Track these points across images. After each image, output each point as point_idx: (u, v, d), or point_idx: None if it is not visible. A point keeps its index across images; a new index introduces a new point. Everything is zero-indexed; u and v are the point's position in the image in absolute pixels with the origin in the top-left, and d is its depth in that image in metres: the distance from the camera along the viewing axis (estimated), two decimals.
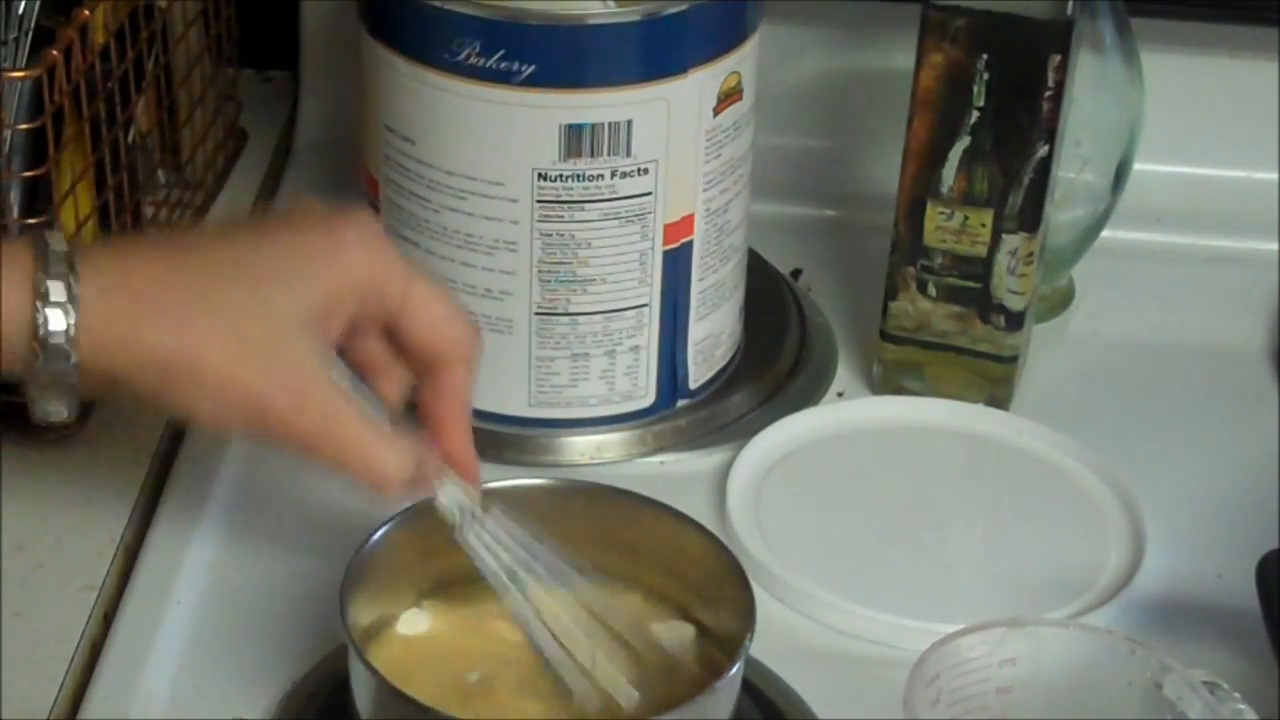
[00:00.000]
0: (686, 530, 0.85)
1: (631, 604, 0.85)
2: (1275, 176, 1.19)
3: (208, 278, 0.76)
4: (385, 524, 0.83)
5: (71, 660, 0.88)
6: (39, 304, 0.73)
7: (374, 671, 0.77)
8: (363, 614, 0.82)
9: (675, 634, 0.85)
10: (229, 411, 0.76)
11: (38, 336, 0.73)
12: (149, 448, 1.00)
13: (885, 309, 1.04)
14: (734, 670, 0.79)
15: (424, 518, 0.83)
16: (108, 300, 0.74)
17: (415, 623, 0.85)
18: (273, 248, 0.78)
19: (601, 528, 0.86)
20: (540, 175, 0.94)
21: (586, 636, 0.82)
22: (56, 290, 0.73)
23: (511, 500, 0.85)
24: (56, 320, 0.73)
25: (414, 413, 0.83)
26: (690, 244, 0.98)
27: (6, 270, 0.74)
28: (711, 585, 0.84)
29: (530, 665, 0.83)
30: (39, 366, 0.74)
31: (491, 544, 0.82)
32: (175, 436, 1.01)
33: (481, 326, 0.97)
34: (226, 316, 0.75)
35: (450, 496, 0.82)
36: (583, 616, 0.83)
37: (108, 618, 0.91)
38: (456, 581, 0.85)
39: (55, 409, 0.76)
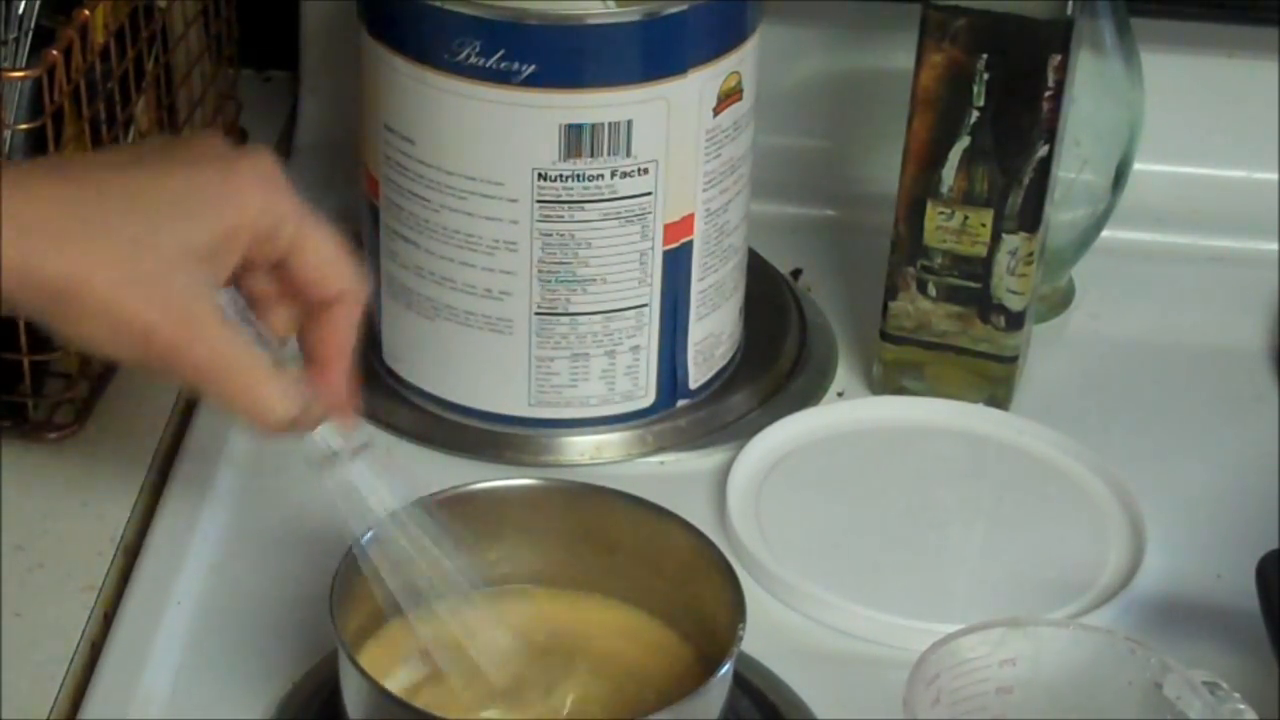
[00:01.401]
0: (671, 527, 0.85)
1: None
2: (1275, 176, 1.19)
3: (101, 207, 0.76)
4: (378, 525, 0.83)
5: (71, 660, 0.88)
6: None
7: (363, 673, 0.77)
8: (354, 615, 0.81)
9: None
10: (114, 339, 0.76)
11: None
12: (149, 448, 1.00)
13: (885, 309, 1.04)
14: (725, 669, 0.78)
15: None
16: (6, 228, 0.74)
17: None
18: (169, 180, 0.77)
19: (584, 527, 0.86)
20: (540, 175, 0.94)
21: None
22: None
23: (491, 501, 0.85)
24: None
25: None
26: (690, 244, 0.98)
27: None
28: (700, 583, 0.84)
29: (525, 667, 0.84)
30: None
31: (358, 491, 0.82)
32: (176, 437, 1.01)
33: (481, 326, 0.98)
34: (117, 246, 0.75)
35: (322, 436, 0.82)
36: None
37: (108, 618, 0.91)
38: (449, 582, 0.85)
39: None
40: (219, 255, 0.77)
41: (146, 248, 0.75)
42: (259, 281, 0.81)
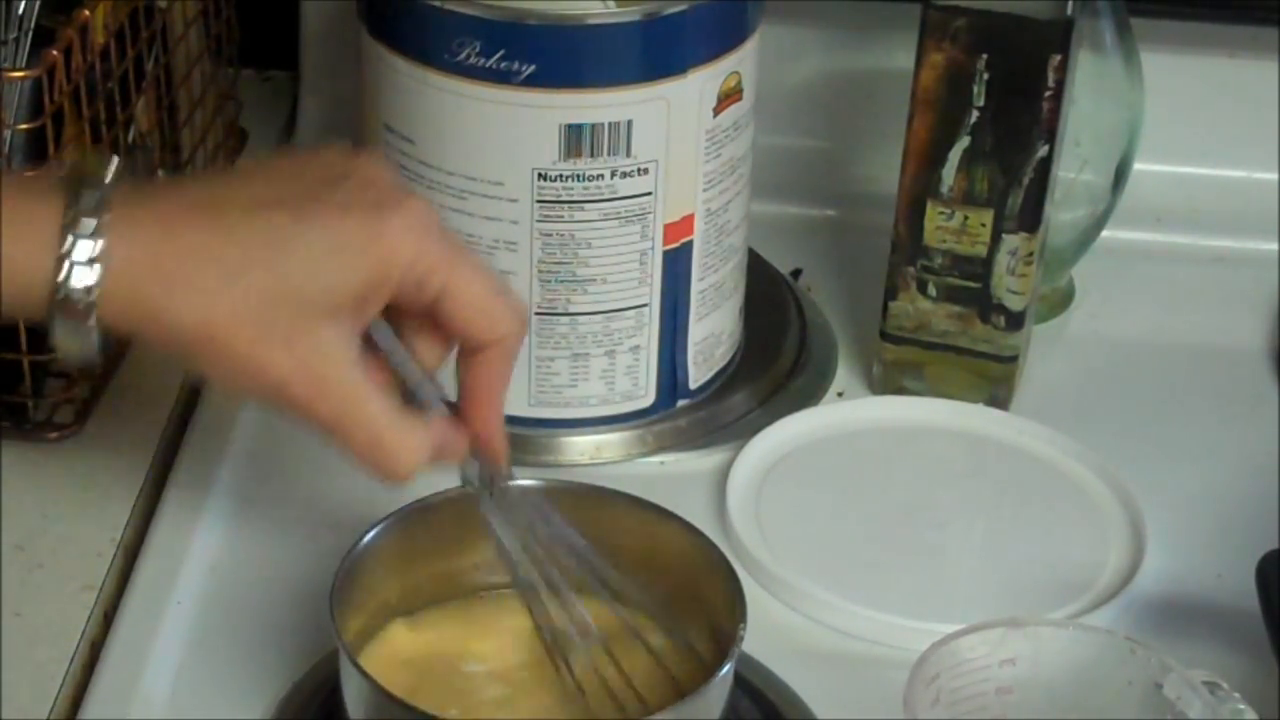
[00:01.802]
0: (671, 527, 0.85)
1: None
2: (1275, 176, 1.19)
3: (243, 256, 0.75)
4: (377, 525, 0.83)
5: (71, 660, 0.88)
6: (64, 261, 0.72)
7: (364, 674, 0.77)
8: (354, 616, 0.81)
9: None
10: (247, 386, 0.76)
11: (57, 294, 0.73)
12: (149, 448, 1.00)
13: (885, 309, 1.04)
14: (726, 669, 0.78)
15: (416, 520, 0.83)
16: (134, 268, 0.73)
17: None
18: (314, 227, 0.76)
19: (584, 527, 0.86)
20: (540, 175, 0.94)
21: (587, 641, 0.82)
22: (83, 250, 0.72)
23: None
24: (80, 278, 0.72)
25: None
26: (690, 244, 0.98)
27: (36, 217, 0.73)
28: (700, 583, 0.83)
29: (524, 669, 0.84)
30: (57, 321, 0.73)
31: (512, 525, 0.82)
32: (176, 437, 1.01)
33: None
34: (254, 300, 0.74)
35: (471, 469, 0.82)
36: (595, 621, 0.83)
37: (108, 618, 0.91)
38: (449, 584, 0.85)
39: (72, 356, 0.75)
40: (361, 306, 0.77)
41: (286, 303, 0.75)
42: (412, 331, 0.81)
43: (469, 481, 0.83)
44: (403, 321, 0.80)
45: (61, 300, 0.73)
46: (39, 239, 0.73)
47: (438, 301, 0.78)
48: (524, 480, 0.85)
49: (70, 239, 0.72)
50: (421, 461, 0.79)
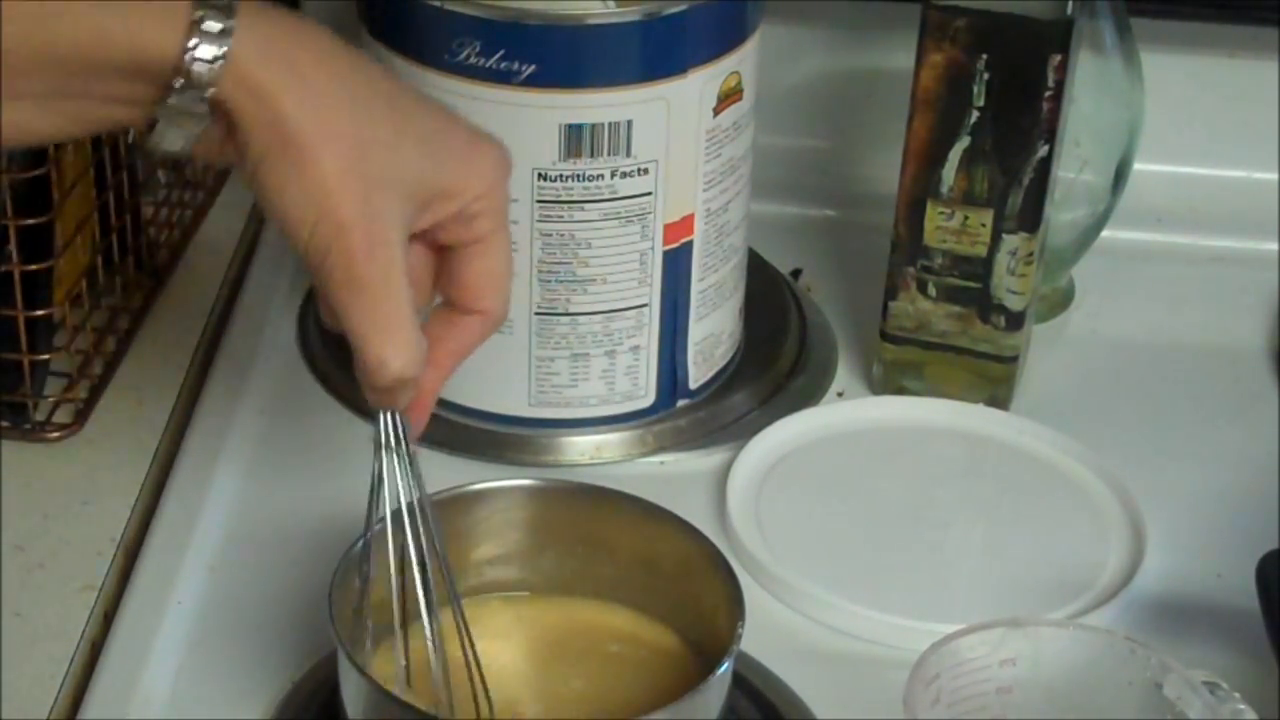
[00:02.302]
0: (671, 527, 0.85)
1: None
2: (1275, 176, 1.19)
3: (363, 95, 0.76)
4: (376, 525, 0.83)
5: (71, 660, 0.88)
6: (193, 31, 0.72)
7: (363, 674, 0.77)
8: (353, 616, 0.81)
9: None
10: (309, 214, 0.75)
11: (183, 61, 0.72)
12: (149, 448, 1.00)
13: (885, 309, 1.04)
14: (724, 668, 0.78)
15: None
16: (267, 53, 0.73)
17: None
18: (428, 116, 0.78)
19: (584, 527, 0.86)
20: (540, 175, 0.94)
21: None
22: (212, 23, 0.72)
23: (491, 501, 0.85)
24: (206, 50, 0.72)
25: None
26: (690, 244, 0.99)
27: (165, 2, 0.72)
28: (699, 583, 0.83)
29: (524, 669, 0.84)
30: (175, 91, 0.72)
31: (399, 487, 0.81)
32: (175, 437, 1.01)
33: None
34: (362, 136, 0.75)
35: (390, 423, 0.80)
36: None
37: (108, 618, 0.91)
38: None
39: (172, 141, 0.74)
40: (430, 204, 0.77)
41: (385, 156, 0.75)
42: (417, 256, 0.80)
43: (383, 434, 0.80)
44: (415, 252, 0.80)
45: (186, 67, 0.72)
46: (170, 14, 0.72)
47: (470, 246, 0.79)
48: (476, 488, 0.85)
49: (201, 12, 0.72)
50: (413, 370, 0.77)
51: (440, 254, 0.80)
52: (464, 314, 0.81)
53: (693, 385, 1.03)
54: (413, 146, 0.76)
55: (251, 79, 0.73)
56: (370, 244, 0.75)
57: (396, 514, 0.80)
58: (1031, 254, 1.00)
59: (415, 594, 0.81)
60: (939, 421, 1.04)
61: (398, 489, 0.80)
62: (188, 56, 0.72)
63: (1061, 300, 1.14)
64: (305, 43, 0.75)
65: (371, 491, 0.80)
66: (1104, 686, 0.79)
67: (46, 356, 0.99)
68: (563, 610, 0.86)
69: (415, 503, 0.80)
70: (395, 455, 0.80)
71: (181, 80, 0.72)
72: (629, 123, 0.93)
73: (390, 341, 0.76)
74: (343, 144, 0.74)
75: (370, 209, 0.75)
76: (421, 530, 0.80)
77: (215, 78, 0.72)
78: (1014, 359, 1.04)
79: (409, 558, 0.80)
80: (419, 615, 0.81)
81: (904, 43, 0.99)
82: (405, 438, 0.80)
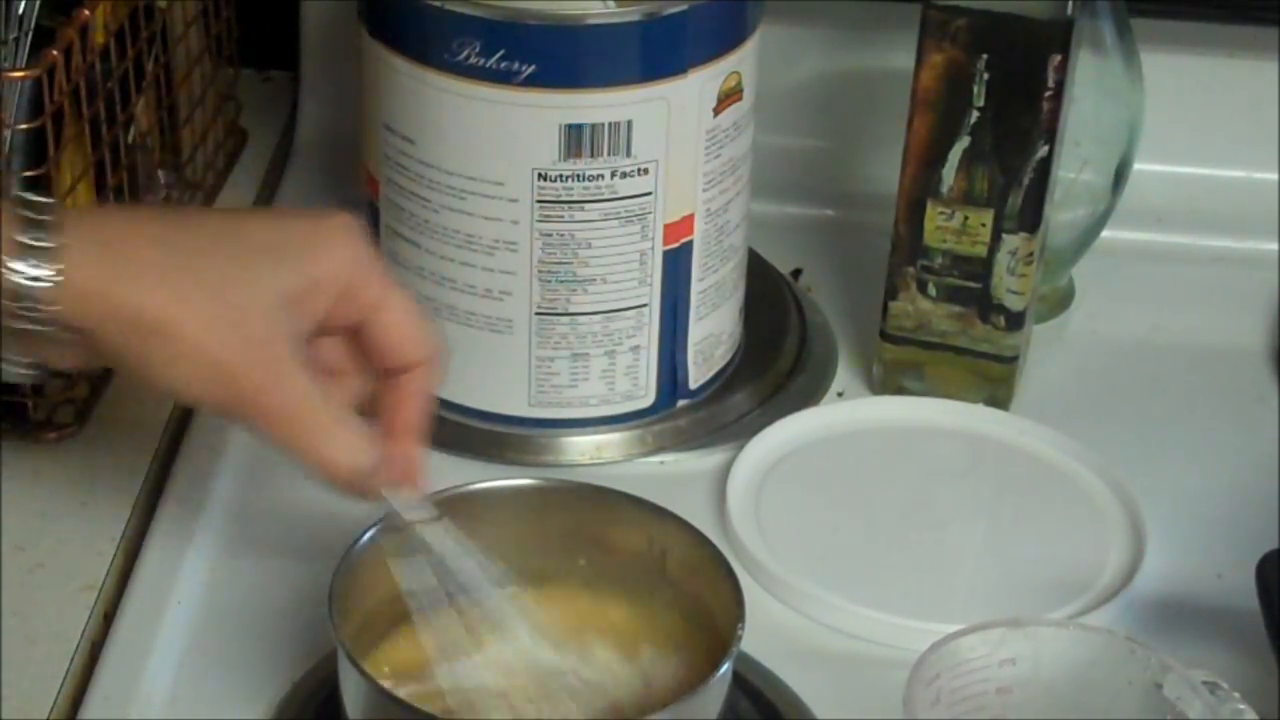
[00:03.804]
0: (671, 527, 0.85)
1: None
2: (1275, 176, 1.19)
3: (192, 246, 0.76)
4: (376, 525, 0.83)
5: (71, 660, 0.88)
6: (17, 252, 0.73)
7: (363, 674, 0.77)
8: (353, 616, 0.81)
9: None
10: (197, 379, 0.76)
11: (11, 283, 0.73)
12: (149, 448, 1.00)
13: (885, 309, 1.04)
14: (724, 668, 0.78)
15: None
16: (88, 254, 0.74)
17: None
18: (260, 226, 0.78)
19: (584, 527, 0.86)
20: (540, 175, 0.94)
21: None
22: (37, 239, 0.73)
23: (488, 503, 0.85)
24: (33, 269, 0.73)
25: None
26: (690, 244, 0.99)
27: None
28: (699, 583, 0.83)
29: (523, 670, 0.84)
30: (13, 313, 0.73)
31: (428, 559, 0.82)
32: (175, 437, 1.01)
33: (481, 326, 0.98)
34: (208, 285, 0.75)
35: (391, 507, 0.81)
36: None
37: (108, 618, 0.91)
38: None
39: (24, 369, 0.76)
40: (305, 304, 0.78)
41: (238, 289, 0.76)
42: (333, 350, 0.81)
43: (390, 520, 0.82)
44: (323, 364, 0.80)
45: (14, 290, 0.73)
46: None
47: (368, 317, 0.80)
48: (475, 488, 0.85)
49: (23, 232, 0.73)
50: (370, 461, 0.79)
51: (351, 334, 0.81)
52: (401, 375, 0.82)
53: (693, 385, 1.03)
54: (261, 266, 0.77)
55: (87, 290, 0.74)
56: (268, 376, 0.76)
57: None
58: (1031, 254, 1.00)
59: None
60: (939, 421, 1.04)
61: (428, 566, 0.81)
62: (15, 279, 0.73)
63: (1061, 300, 1.14)
64: (126, 226, 0.76)
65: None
66: (1104, 686, 0.79)
67: None
68: (562, 610, 0.86)
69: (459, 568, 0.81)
70: (419, 531, 0.81)
71: (15, 303, 0.73)
72: (629, 123, 0.93)
73: (328, 445, 0.78)
74: (198, 302, 0.75)
75: (251, 345, 0.76)
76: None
77: (54, 297, 0.73)
78: (1014, 359, 1.04)
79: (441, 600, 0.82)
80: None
81: (904, 43, 0.99)
82: (412, 519, 0.81)
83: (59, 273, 0.73)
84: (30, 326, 0.74)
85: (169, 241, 0.76)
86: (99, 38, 0.99)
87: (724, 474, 0.99)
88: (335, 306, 0.79)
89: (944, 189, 1.00)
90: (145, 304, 0.74)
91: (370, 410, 0.82)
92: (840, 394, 1.07)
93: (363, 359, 0.82)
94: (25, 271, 0.73)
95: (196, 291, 0.75)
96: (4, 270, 0.73)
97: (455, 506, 0.84)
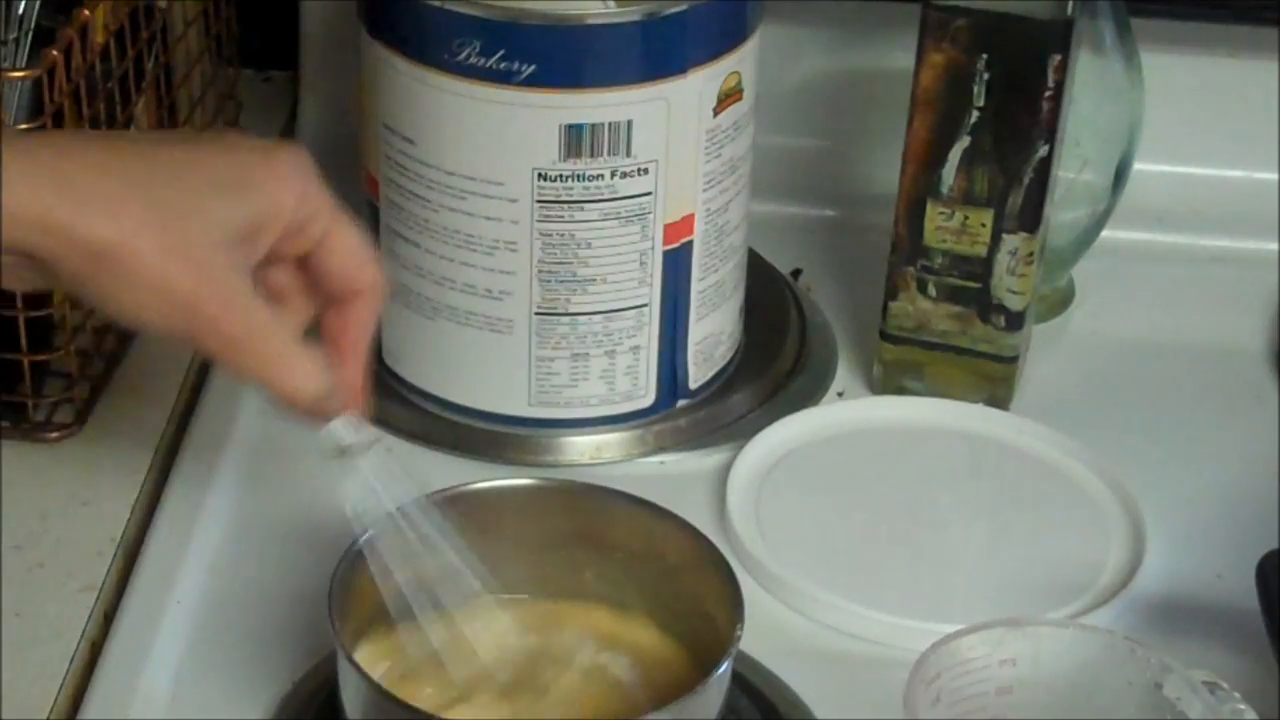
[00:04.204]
0: (671, 527, 0.85)
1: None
2: (1275, 176, 1.19)
3: (148, 175, 0.76)
4: (375, 525, 0.83)
5: (71, 660, 0.88)
6: None
7: (363, 674, 0.77)
8: (352, 616, 0.81)
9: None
10: (155, 306, 0.76)
11: None
12: (149, 448, 1.00)
13: (885, 309, 1.04)
14: (723, 668, 0.78)
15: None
16: (34, 180, 0.74)
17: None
18: (213, 158, 0.78)
19: (583, 527, 0.86)
20: (540, 175, 0.94)
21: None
22: None
23: (487, 503, 0.85)
24: None
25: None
26: (690, 244, 0.99)
27: None
28: (699, 583, 0.83)
29: (522, 670, 0.84)
30: None
31: (369, 486, 0.82)
32: (175, 438, 1.01)
33: (481, 326, 0.98)
34: (162, 213, 0.75)
35: (336, 429, 0.82)
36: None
37: (108, 618, 0.91)
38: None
39: None
40: (256, 236, 0.78)
41: (192, 219, 0.76)
42: (280, 275, 0.82)
43: (335, 442, 0.82)
44: (271, 288, 0.81)
45: None
46: None
47: (316, 247, 0.81)
48: (474, 488, 0.86)
49: None
50: (322, 386, 0.79)
51: (300, 263, 0.82)
52: (348, 301, 0.82)
53: (693, 385, 1.03)
54: (211, 196, 0.77)
55: (31, 215, 0.73)
56: (223, 303, 0.76)
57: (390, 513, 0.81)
58: (1031, 254, 1.00)
59: (418, 590, 0.81)
60: (939, 421, 1.04)
61: (378, 486, 0.81)
62: None
63: (1061, 300, 1.14)
64: (69, 151, 0.76)
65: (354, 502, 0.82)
66: (1104, 686, 0.79)
67: (46, 356, 0.99)
68: (562, 610, 0.86)
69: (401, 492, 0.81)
70: (354, 459, 0.81)
71: None
72: (629, 123, 0.93)
73: (289, 372, 0.78)
74: (149, 231, 0.75)
75: (206, 274, 0.76)
76: (416, 521, 0.81)
77: None
78: (1014, 359, 1.04)
79: (411, 552, 0.81)
80: (419, 612, 0.81)
81: (904, 43, 0.99)
82: (356, 441, 0.81)
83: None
84: None
85: (119, 170, 0.76)
86: (99, 38, 0.99)
87: (724, 474, 0.99)
88: (285, 237, 0.80)
89: (944, 189, 1.00)
90: (98, 234, 0.74)
91: (320, 333, 0.83)
92: (840, 394, 1.07)
93: (309, 284, 0.83)
94: None
95: (152, 220, 0.75)
96: None
97: (455, 506, 0.84)
